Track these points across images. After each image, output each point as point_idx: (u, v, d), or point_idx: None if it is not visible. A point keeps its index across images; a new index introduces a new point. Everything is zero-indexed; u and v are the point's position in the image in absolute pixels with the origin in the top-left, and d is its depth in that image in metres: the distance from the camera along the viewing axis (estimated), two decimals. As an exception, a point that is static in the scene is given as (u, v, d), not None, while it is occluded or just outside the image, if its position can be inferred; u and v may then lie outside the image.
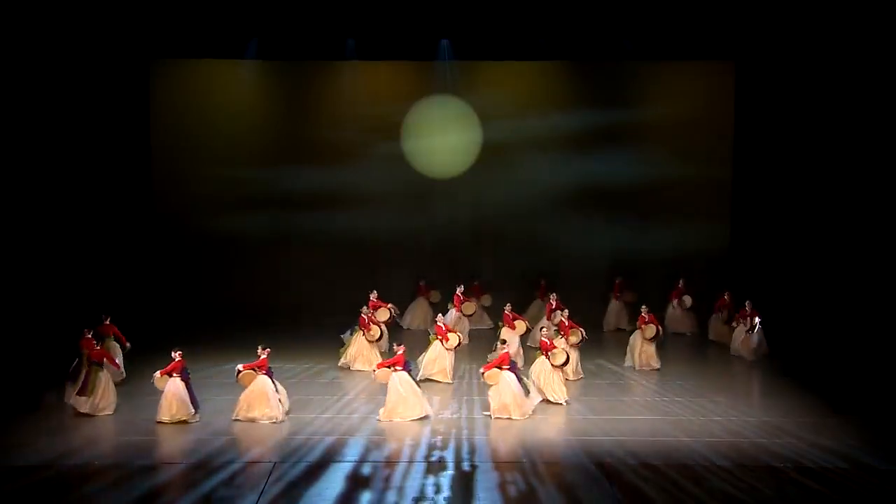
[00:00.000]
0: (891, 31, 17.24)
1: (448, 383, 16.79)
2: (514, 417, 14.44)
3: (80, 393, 14.59)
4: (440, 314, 18.22)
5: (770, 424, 14.57)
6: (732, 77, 22.19)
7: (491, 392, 14.69)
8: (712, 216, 22.43)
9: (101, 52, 20.10)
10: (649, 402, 15.74)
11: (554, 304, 18.46)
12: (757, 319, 18.45)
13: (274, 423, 14.22)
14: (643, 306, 18.12)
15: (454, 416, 14.96)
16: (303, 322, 21.60)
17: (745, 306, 18.76)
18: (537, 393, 14.98)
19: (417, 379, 15.39)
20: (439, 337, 16.95)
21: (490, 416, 14.53)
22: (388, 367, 14.79)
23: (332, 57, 21.92)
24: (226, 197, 22.21)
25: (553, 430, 14.26)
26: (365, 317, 17.85)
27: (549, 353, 15.44)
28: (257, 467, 12.46)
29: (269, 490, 11.68)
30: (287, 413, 14.62)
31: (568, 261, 22.33)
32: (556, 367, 15.33)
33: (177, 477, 12.17)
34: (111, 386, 14.94)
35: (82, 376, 14.82)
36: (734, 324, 19.22)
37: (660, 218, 22.38)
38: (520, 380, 14.79)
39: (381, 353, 17.80)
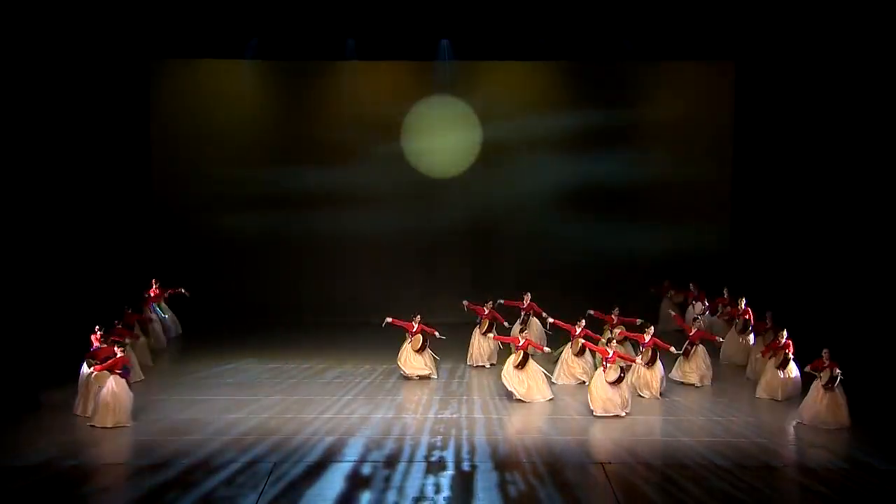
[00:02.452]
0: (891, 31, 17.24)
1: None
2: (107, 425, 13.93)
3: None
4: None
5: (770, 424, 14.59)
6: (732, 77, 22.18)
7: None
8: (712, 216, 22.42)
9: (101, 51, 20.08)
10: (649, 402, 15.74)
11: (615, 319, 17.66)
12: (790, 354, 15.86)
13: (123, 427, 13.97)
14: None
15: (454, 415, 14.97)
16: (302, 322, 21.59)
17: (781, 336, 16.15)
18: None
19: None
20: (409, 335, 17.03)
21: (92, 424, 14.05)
22: (108, 369, 14.11)
23: (332, 57, 21.90)
24: (226, 197, 22.19)
25: (553, 429, 14.26)
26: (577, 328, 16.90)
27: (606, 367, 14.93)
28: (257, 467, 12.44)
29: (269, 490, 11.68)
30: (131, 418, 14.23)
31: (567, 260, 22.32)
32: (611, 383, 14.84)
33: (177, 477, 12.12)
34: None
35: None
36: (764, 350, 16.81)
37: (659, 218, 22.36)
38: (129, 385, 14.36)
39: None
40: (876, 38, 17.67)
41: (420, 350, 17.09)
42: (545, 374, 15.98)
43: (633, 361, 15.72)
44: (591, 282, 21.77)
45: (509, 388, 15.75)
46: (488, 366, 18.01)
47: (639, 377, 16.03)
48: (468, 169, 22.46)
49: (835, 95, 19.08)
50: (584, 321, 16.99)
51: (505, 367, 15.99)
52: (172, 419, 14.57)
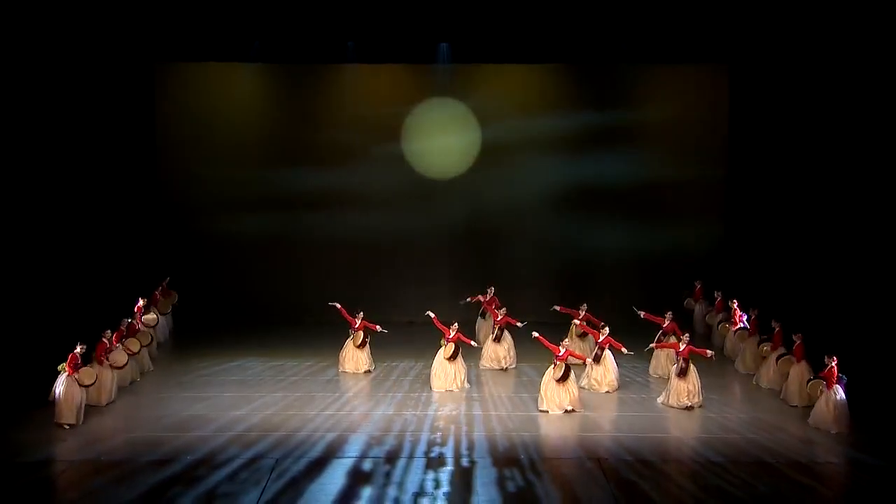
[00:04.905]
0: (883, 35, 17.41)
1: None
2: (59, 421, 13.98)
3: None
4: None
5: (764, 421, 14.73)
6: (727, 80, 22.34)
7: None
8: (707, 217, 22.52)
9: (106, 55, 20.23)
10: (645, 399, 15.88)
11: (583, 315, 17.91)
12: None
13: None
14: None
15: (453, 412, 15.14)
16: (304, 321, 21.72)
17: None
18: None
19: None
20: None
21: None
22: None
23: (333, 60, 22.05)
24: (229, 198, 22.28)
25: (551, 426, 14.42)
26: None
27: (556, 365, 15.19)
28: (260, 463, 12.60)
29: (272, 486, 11.84)
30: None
31: (566, 260, 22.48)
32: (558, 381, 15.08)
33: (180, 473, 12.29)
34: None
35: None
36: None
37: (656, 219, 22.45)
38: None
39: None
40: (868, 41, 17.84)
41: (360, 346, 17.59)
42: (465, 372, 16.57)
43: (583, 360, 16.13)
44: (589, 281, 21.92)
45: (431, 379, 16.37)
46: (504, 368, 17.94)
47: (674, 389, 15.42)
48: (468, 170, 22.58)
49: (827, 98, 19.24)
50: (585, 307, 17.75)
51: (436, 357, 16.47)
52: (176, 416, 14.74)
